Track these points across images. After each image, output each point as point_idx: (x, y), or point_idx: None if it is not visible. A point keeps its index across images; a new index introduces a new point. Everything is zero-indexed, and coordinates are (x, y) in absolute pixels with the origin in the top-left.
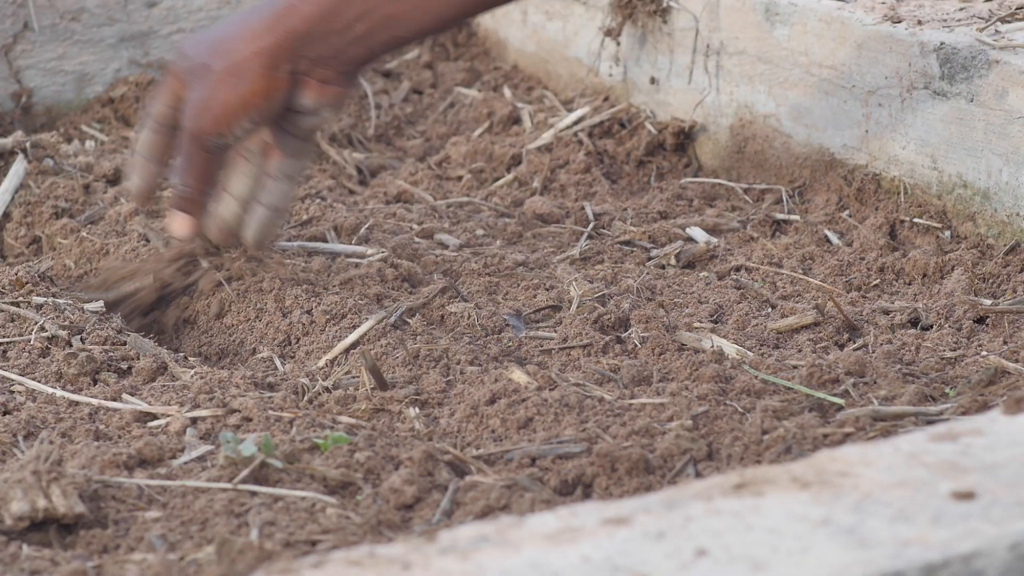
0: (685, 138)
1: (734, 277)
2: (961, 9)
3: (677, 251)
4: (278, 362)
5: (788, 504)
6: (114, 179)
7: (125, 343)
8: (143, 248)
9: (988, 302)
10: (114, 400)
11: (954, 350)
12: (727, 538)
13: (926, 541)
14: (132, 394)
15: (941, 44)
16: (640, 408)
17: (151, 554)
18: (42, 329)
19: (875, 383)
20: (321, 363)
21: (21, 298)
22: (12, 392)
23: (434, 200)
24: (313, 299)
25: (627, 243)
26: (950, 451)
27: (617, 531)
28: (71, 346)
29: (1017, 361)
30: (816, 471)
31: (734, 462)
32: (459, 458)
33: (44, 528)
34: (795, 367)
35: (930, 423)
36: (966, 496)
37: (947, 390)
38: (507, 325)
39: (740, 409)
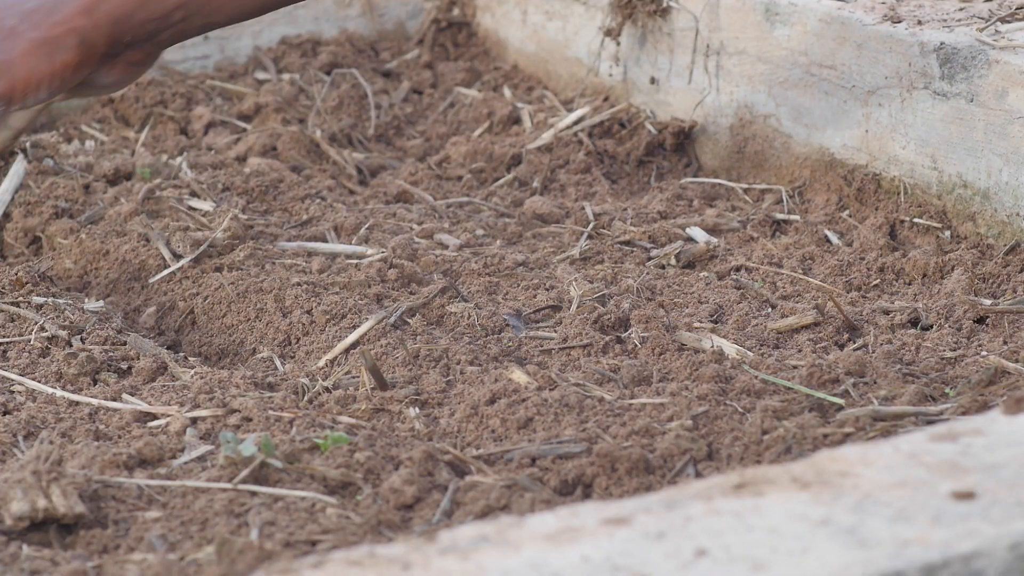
0: (685, 138)
1: (734, 277)
2: (961, 9)
3: (677, 251)
4: (278, 362)
5: (788, 504)
6: (114, 179)
7: (125, 343)
8: (143, 248)
9: (988, 302)
10: (114, 400)
11: (954, 350)
12: (727, 538)
13: (926, 541)
14: (132, 394)
15: (941, 44)
16: (640, 408)
17: (151, 554)
18: (42, 329)
19: (875, 383)
20: (321, 363)
21: (21, 298)
22: (12, 392)
23: (434, 200)
24: (313, 299)
25: (627, 243)
26: (950, 451)
27: (617, 531)
28: (71, 346)
29: (1017, 361)
30: (816, 471)
31: (734, 462)
32: (459, 458)
33: (44, 528)
34: (795, 367)
35: (930, 423)
36: (966, 496)
37: (947, 390)
38: (507, 325)
39: (740, 409)
